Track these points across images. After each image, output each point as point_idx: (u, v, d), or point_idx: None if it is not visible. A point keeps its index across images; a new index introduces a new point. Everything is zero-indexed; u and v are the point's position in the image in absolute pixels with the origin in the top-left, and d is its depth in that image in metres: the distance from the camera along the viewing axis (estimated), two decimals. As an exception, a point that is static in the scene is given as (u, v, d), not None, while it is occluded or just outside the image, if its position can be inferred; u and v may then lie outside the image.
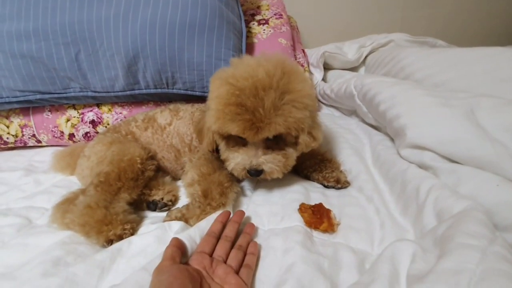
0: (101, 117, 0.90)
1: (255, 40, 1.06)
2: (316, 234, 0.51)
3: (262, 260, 0.46)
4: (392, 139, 0.73)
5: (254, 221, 0.55)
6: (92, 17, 0.78)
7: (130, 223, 0.54)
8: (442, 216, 0.45)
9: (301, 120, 0.53)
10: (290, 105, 0.52)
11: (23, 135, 0.91)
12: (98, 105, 0.91)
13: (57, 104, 0.89)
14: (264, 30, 1.09)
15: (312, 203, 0.56)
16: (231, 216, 0.53)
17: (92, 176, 0.61)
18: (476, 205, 0.43)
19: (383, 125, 0.77)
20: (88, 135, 0.91)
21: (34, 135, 0.92)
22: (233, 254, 0.45)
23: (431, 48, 1.12)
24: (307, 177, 0.68)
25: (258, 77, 0.51)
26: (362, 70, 1.26)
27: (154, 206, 0.63)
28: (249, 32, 1.07)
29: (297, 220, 0.52)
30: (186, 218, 0.56)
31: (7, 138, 0.91)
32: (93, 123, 0.90)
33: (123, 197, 0.58)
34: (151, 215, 0.62)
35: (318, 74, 1.21)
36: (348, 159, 0.71)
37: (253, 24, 1.12)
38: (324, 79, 1.23)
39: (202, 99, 0.86)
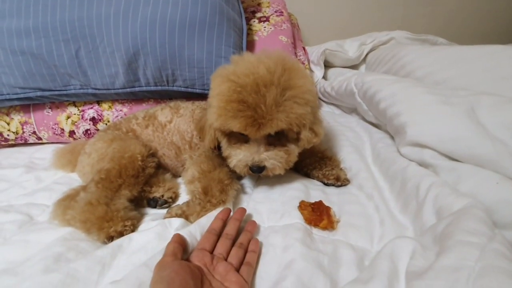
0: (101, 114, 0.90)
1: (256, 38, 1.06)
2: (316, 231, 0.51)
3: (262, 257, 0.46)
4: (392, 137, 0.73)
5: (254, 218, 0.55)
6: (92, 14, 0.78)
7: (131, 219, 0.55)
8: (442, 214, 0.45)
9: (302, 116, 0.53)
10: (292, 101, 0.52)
11: (23, 132, 0.91)
12: (98, 102, 0.91)
13: (58, 101, 0.89)
14: (265, 27, 1.09)
15: (312, 201, 0.56)
16: (231, 213, 0.53)
17: (93, 173, 0.61)
18: (476, 203, 0.43)
19: (384, 123, 0.77)
20: (89, 132, 0.91)
21: (34, 132, 0.92)
22: (234, 251, 0.45)
23: (432, 46, 1.11)
24: (307, 175, 0.69)
25: (259, 74, 0.51)
26: (362, 68, 1.25)
27: (154, 203, 0.63)
28: (249, 29, 1.07)
29: (297, 218, 0.53)
30: (186, 215, 0.56)
31: (8, 135, 0.92)
32: (94, 120, 0.90)
33: (124, 194, 0.59)
34: (151, 212, 0.62)
35: (318, 72, 1.21)
36: (348, 156, 0.71)
37: (254, 21, 1.12)
38: (324, 77, 1.23)
39: (202, 96, 0.86)
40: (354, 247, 0.47)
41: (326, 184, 0.64)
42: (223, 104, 0.52)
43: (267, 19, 1.13)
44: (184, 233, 0.46)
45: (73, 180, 0.73)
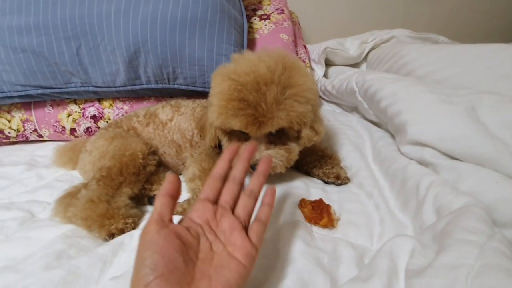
0: (102, 112, 0.90)
1: (257, 36, 1.06)
2: (316, 230, 0.51)
3: (262, 255, 0.46)
4: (392, 136, 0.73)
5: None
6: (93, 12, 0.78)
7: (132, 217, 0.55)
8: (442, 212, 0.45)
9: (303, 114, 0.53)
10: (292, 99, 0.52)
11: (24, 130, 0.92)
12: (99, 100, 0.91)
13: (59, 99, 0.89)
14: (266, 25, 1.09)
15: (312, 199, 0.56)
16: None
17: (94, 170, 0.62)
18: (476, 201, 0.43)
19: (384, 122, 0.77)
20: (90, 130, 0.91)
21: (35, 130, 0.92)
22: (242, 201, 0.37)
23: (433, 45, 1.11)
24: (308, 173, 0.69)
25: (260, 72, 0.51)
26: (364, 66, 1.25)
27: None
28: (250, 27, 1.07)
29: (297, 216, 0.53)
30: (187, 212, 0.56)
31: (9, 132, 0.92)
32: (95, 118, 0.90)
33: (125, 191, 0.59)
34: (152, 210, 0.63)
35: (319, 70, 1.21)
36: (348, 155, 0.71)
37: (255, 19, 1.12)
38: (325, 75, 1.23)
39: (203, 94, 0.86)
40: (354, 245, 0.47)
41: (327, 183, 0.64)
42: (223, 103, 0.52)
43: (268, 17, 1.12)
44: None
45: (74, 177, 0.73)
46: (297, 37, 1.22)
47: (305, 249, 0.44)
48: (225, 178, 0.39)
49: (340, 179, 0.63)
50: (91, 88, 0.85)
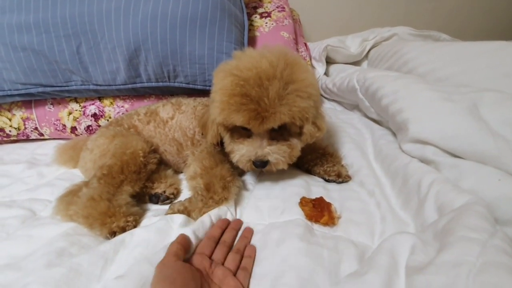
0: (103, 110, 0.90)
1: (257, 34, 1.05)
2: (317, 228, 0.51)
3: (263, 253, 0.46)
4: (394, 134, 0.73)
5: (255, 215, 0.56)
6: (93, 10, 0.77)
7: (133, 215, 0.55)
8: (443, 210, 0.45)
9: (305, 110, 0.53)
10: (294, 94, 0.52)
11: (25, 128, 0.92)
12: (100, 99, 0.91)
13: (59, 97, 0.89)
14: (266, 23, 1.09)
15: (313, 197, 0.56)
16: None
17: (95, 169, 0.62)
18: (477, 199, 0.43)
19: (385, 120, 0.77)
20: (90, 128, 0.91)
21: (36, 128, 0.92)
22: (231, 257, 0.46)
23: (435, 42, 1.11)
24: (309, 171, 0.69)
25: (262, 68, 0.51)
26: (365, 64, 1.25)
27: (156, 199, 0.63)
28: (251, 25, 1.07)
29: (298, 214, 0.53)
30: (188, 211, 0.56)
31: (10, 131, 0.92)
32: (95, 116, 0.90)
33: (126, 189, 0.59)
34: (153, 208, 0.63)
35: (320, 68, 1.20)
36: (349, 153, 0.71)
37: (255, 17, 1.11)
38: (326, 73, 1.22)
39: (203, 93, 0.86)
40: (355, 243, 0.47)
41: (327, 181, 0.64)
42: (226, 98, 0.52)
43: (268, 15, 1.12)
44: (188, 233, 0.46)
45: (75, 176, 0.73)
46: (298, 35, 1.22)
47: (305, 247, 0.44)
48: (217, 240, 0.49)
49: (341, 177, 0.63)
50: (91, 87, 0.85)
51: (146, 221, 0.57)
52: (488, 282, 0.30)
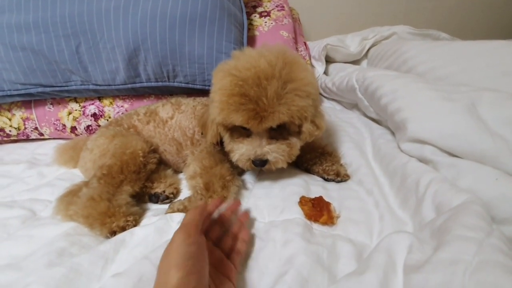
0: (102, 110, 0.90)
1: (257, 33, 1.05)
2: (316, 227, 0.51)
3: (263, 252, 0.46)
4: (393, 133, 0.73)
5: (254, 213, 0.56)
6: (92, 9, 0.77)
7: (133, 215, 0.55)
8: (441, 209, 0.45)
9: (304, 109, 0.53)
10: (293, 93, 0.52)
11: (25, 128, 0.92)
12: (99, 98, 0.91)
13: (59, 97, 0.90)
14: (266, 22, 1.09)
15: (312, 196, 0.56)
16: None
17: (95, 169, 0.62)
18: (475, 198, 0.43)
19: (384, 119, 0.77)
20: (90, 128, 0.91)
21: (36, 128, 0.92)
22: (226, 240, 0.46)
23: (434, 41, 1.10)
24: (308, 170, 0.69)
25: (261, 67, 0.52)
26: (364, 63, 1.25)
27: (156, 199, 0.63)
28: (250, 24, 1.07)
29: (297, 213, 0.53)
30: (188, 210, 0.56)
31: (10, 131, 0.92)
32: (95, 116, 0.90)
33: (126, 189, 0.59)
34: (153, 208, 0.63)
35: (319, 67, 1.20)
36: (348, 152, 0.71)
37: (255, 16, 1.11)
38: (325, 72, 1.22)
39: (203, 92, 0.86)
40: (353, 241, 0.47)
41: (327, 180, 0.65)
42: (225, 98, 0.52)
43: (268, 14, 1.12)
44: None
45: (75, 176, 0.74)
46: (298, 34, 1.22)
47: (305, 246, 0.45)
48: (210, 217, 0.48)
49: (340, 176, 0.63)
50: (91, 86, 0.85)
51: (146, 220, 0.57)
52: (484, 281, 0.30)
